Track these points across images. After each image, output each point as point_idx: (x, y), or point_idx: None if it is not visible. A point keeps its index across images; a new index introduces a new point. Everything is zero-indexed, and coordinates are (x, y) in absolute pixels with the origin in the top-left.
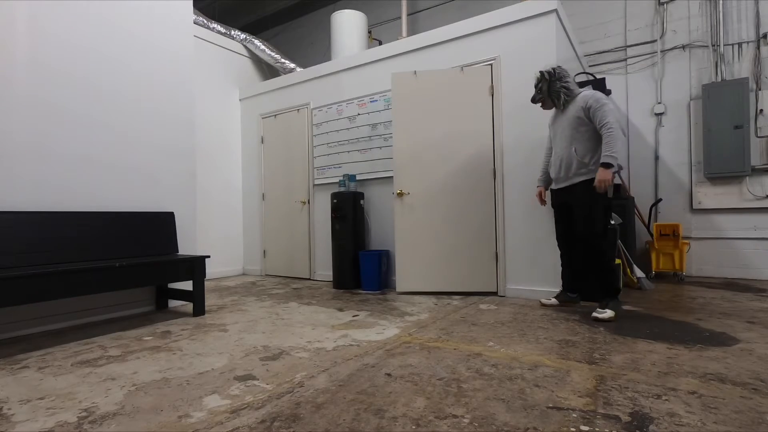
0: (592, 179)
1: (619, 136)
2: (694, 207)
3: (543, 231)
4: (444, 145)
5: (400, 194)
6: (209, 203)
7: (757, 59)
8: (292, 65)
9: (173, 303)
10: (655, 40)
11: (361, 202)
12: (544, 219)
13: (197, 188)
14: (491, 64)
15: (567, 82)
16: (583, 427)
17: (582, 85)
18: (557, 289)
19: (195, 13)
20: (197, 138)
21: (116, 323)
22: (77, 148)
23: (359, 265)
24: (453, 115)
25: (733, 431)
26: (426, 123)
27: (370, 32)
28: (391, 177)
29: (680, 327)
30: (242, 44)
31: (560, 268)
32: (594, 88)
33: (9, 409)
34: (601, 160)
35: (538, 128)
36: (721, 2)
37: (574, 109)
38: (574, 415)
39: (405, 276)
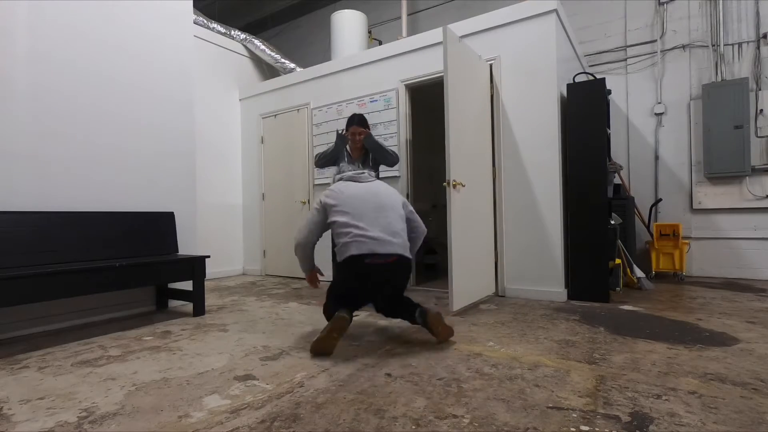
0: None
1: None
2: (694, 207)
3: (543, 231)
4: (471, 134)
5: (456, 186)
6: (209, 203)
7: (757, 59)
8: (292, 65)
9: (173, 303)
10: (655, 40)
11: None
12: (545, 219)
13: (197, 188)
14: (491, 64)
15: None
16: (583, 427)
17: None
18: (557, 289)
19: (195, 13)
20: (197, 138)
21: (116, 323)
22: (78, 149)
23: None
24: (468, 105)
25: (733, 431)
26: (460, 103)
27: (370, 32)
28: (391, 177)
29: (680, 327)
30: (242, 44)
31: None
32: (594, 88)
33: (9, 409)
34: None
35: (538, 129)
36: (721, 2)
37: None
38: (574, 415)
39: (461, 287)
